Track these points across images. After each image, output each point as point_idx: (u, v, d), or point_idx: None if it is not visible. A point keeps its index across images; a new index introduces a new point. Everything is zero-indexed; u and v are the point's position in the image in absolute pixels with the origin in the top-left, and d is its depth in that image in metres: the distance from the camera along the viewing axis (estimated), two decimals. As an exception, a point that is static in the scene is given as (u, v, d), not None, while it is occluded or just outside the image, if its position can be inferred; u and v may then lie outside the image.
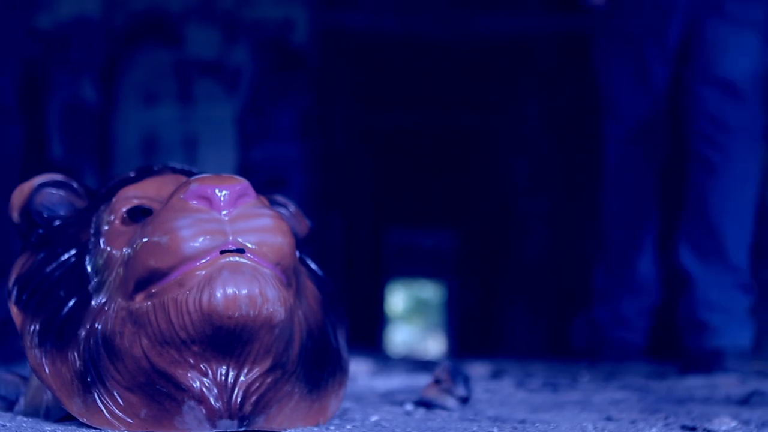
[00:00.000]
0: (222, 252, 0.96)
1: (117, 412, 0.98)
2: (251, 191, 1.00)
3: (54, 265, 1.07)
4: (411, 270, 13.76)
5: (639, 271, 2.67)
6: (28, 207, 1.13)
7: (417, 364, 3.24)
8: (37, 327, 1.03)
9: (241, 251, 0.96)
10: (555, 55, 5.62)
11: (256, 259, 0.97)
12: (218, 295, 0.93)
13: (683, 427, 1.21)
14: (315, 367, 1.08)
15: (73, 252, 1.08)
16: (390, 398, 1.68)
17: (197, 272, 0.95)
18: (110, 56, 4.69)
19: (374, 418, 1.26)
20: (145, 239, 0.98)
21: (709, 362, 2.34)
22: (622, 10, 2.51)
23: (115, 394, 0.98)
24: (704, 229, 2.42)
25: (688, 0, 2.42)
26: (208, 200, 0.98)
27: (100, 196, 1.14)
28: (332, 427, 1.11)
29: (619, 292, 2.67)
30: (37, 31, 4.51)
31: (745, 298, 2.42)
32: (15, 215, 1.13)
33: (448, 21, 5.52)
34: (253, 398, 0.99)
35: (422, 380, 2.13)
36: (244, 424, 0.98)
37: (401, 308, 17.78)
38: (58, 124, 4.55)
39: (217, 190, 0.98)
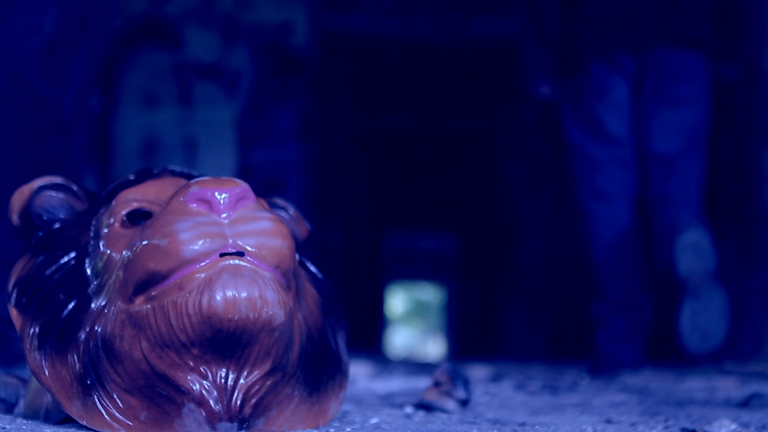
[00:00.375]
0: (222, 255, 0.96)
1: (117, 414, 0.98)
2: (251, 194, 1.00)
3: (54, 267, 1.07)
4: (410, 272, 13.77)
5: (630, 296, 2.81)
6: (27, 209, 1.13)
7: (416, 367, 3.24)
8: (37, 330, 1.03)
9: (240, 254, 0.96)
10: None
11: (255, 262, 0.97)
12: (218, 298, 0.93)
13: (683, 429, 1.21)
14: (315, 369, 1.08)
15: (72, 255, 1.08)
16: (390, 401, 1.68)
17: (197, 275, 0.95)
18: (109, 59, 4.69)
19: (374, 421, 1.26)
20: (144, 242, 0.98)
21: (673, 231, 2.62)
22: (579, 86, 2.84)
23: (115, 396, 0.98)
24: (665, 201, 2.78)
25: (632, 79, 2.78)
26: (208, 203, 0.98)
27: (100, 199, 1.14)
28: (332, 430, 1.11)
29: (614, 315, 2.80)
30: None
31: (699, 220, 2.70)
32: (15, 218, 1.13)
33: (446, 24, 5.52)
34: (253, 401, 0.99)
35: (422, 383, 2.13)
36: (244, 426, 0.98)
37: (401, 311, 17.78)
38: (57, 126, 4.54)
39: (216, 193, 0.98)
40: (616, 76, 2.76)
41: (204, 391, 0.96)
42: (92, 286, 1.04)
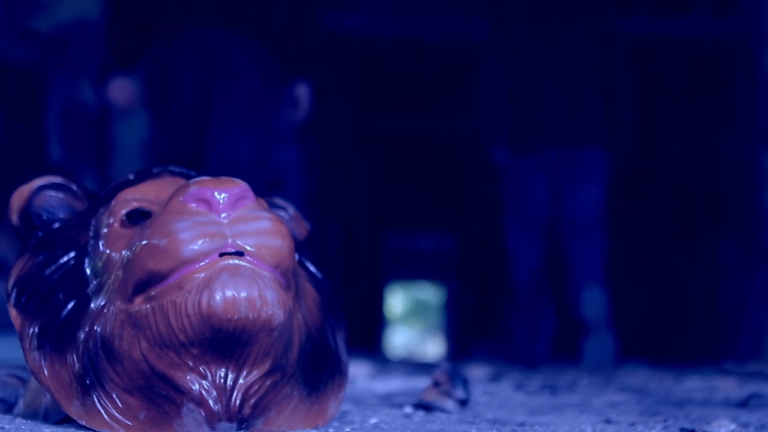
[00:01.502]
0: (221, 255, 0.96)
1: (116, 414, 0.98)
2: (250, 194, 1.00)
3: (53, 267, 1.07)
4: (410, 272, 13.75)
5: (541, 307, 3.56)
6: (27, 209, 1.13)
7: (416, 367, 3.24)
8: (36, 329, 1.03)
9: (240, 254, 0.96)
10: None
11: (255, 262, 0.97)
12: (217, 297, 0.93)
13: (682, 429, 1.21)
14: (314, 369, 1.08)
15: (72, 254, 1.08)
16: (389, 401, 1.68)
17: (196, 275, 0.95)
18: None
19: (373, 421, 1.26)
20: (144, 242, 0.98)
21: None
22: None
23: (114, 396, 0.98)
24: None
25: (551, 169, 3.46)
26: (208, 203, 0.98)
27: (100, 199, 1.14)
28: (331, 430, 1.11)
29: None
30: (35, 33, 4.52)
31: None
32: (14, 217, 1.13)
33: (445, 24, 5.52)
34: (252, 401, 0.98)
35: (421, 383, 2.13)
36: (243, 426, 0.98)
37: (400, 311, 17.76)
38: (57, 126, 4.55)
39: (216, 193, 0.98)
40: (538, 167, 3.44)
41: (203, 391, 0.96)
42: (92, 285, 1.04)
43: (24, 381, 1.25)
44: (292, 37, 2.89)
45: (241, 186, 0.99)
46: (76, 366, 1.00)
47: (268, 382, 1.00)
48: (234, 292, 0.94)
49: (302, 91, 2.96)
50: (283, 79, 2.90)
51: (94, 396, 0.98)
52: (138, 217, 1.06)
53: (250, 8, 2.81)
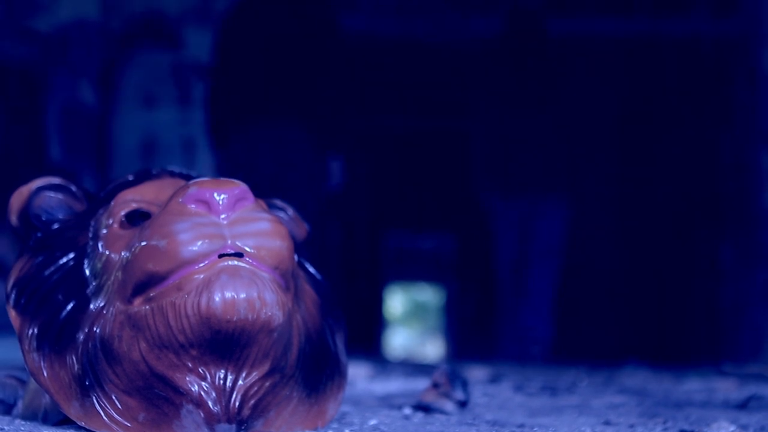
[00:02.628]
0: (220, 256, 0.96)
1: (115, 415, 0.98)
2: (250, 195, 1.00)
3: (52, 268, 1.07)
4: (410, 273, 13.75)
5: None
6: (26, 210, 1.12)
7: (415, 368, 3.24)
8: (36, 330, 1.03)
9: (239, 255, 0.96)
10: (553, 58, 5.61)
11: (254, 263, 0.97)
12: (217, 299, 0.93)
13: (681, 431, 1.21)
14: (313, 370, 1.08)
15: (71, 256, 1.08)
16: (388, 402, 1.68)
17: (196, 276, 0.95)
18: (109, 58, 4.69)
19: (372, 422, 1.26)
20: (143, 243, 0.98)
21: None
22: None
23: (114, 397, 0.98)
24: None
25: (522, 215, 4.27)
26: (207, 204, 0.98)
27: (99, 200, 1.14)
28: (330, 431, 1.11)
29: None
30: (35, 33, 4.52)
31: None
32: (13, 218, 1.13)
33: (445, 24, 5.52)
34: (252, 402, 0.98)
35: (421, 384, 2.13)
36: (243, 427, 0.98)
37: (400, 312, 17.76)
38: (57, 126, 4.55)
39: (215, 194, 0.98)
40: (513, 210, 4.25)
41: (203, 392, 0.96)
42: (91, 287, 1.04)
43: (23, 382, 1.25)
44: (330, 125, 3.55)
45: (240, 187, 0.99)
46: (76, 367, 0.99)
47: (267, 384, 1.00)
48: (233, 294, 0.94)
49: (336, 166, 3.67)
50: (319, 155, 3.55)
51: (94, 397, 0.98)
52: (137, 218, 1.06)
53: (302, 104, 3.46)
